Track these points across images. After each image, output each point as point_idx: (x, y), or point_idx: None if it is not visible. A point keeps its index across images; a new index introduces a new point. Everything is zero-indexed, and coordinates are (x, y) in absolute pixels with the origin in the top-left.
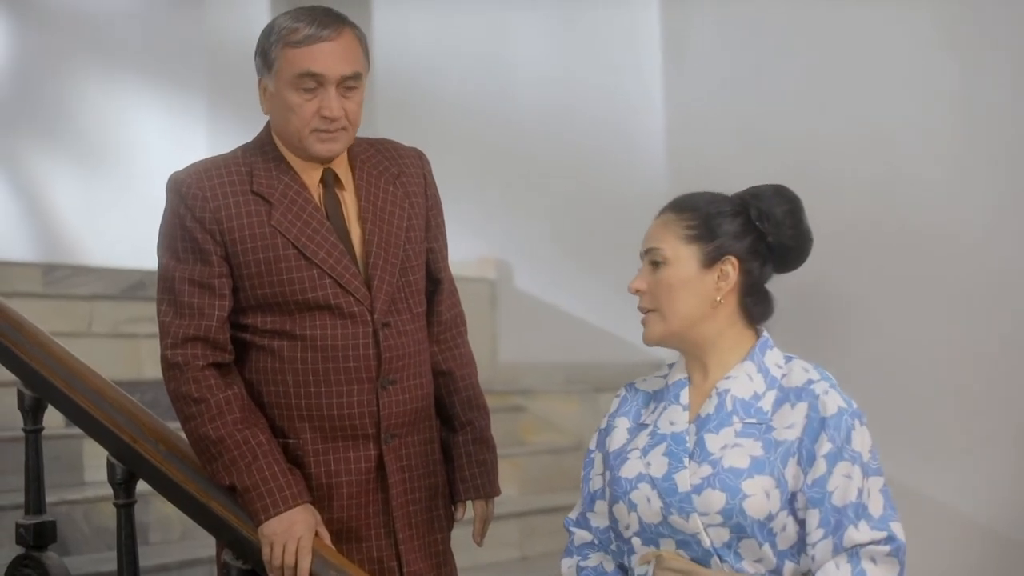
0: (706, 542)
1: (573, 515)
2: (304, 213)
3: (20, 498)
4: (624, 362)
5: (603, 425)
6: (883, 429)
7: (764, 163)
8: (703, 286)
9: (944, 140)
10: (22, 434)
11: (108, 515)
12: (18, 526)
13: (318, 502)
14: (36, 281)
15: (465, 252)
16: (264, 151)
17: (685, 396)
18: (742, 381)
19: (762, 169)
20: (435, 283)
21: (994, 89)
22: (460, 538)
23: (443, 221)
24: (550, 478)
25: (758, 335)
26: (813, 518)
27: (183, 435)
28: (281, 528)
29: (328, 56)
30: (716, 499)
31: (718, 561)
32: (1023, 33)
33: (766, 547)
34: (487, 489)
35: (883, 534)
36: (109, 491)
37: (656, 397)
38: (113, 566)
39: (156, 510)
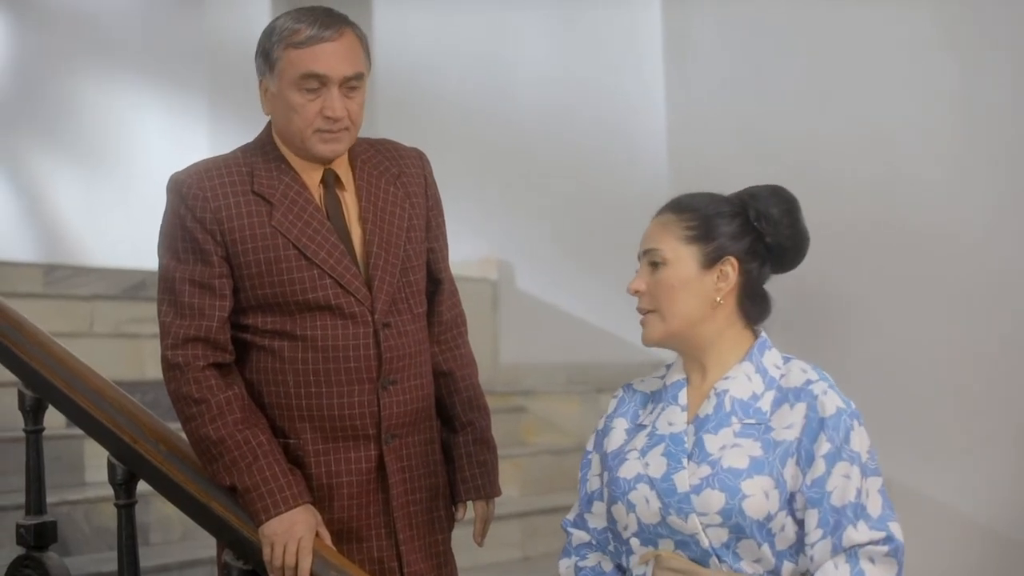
0: (705, 542)
1: (571, 516)
2: (305, 213)
3: (21, 498)
4: (625, 362)
5: (600, 426)
6: (883, 429)
7: (765, 163)
8: (703, 287)
9: (944, 140)
10: (23, 434)
11: (109, 515)
12: (19, 526)
13: (319, 502)
14: (37, 281)
15: (467, 252)
16: (265, 151)
17: (683, 397)
18: (740, 381)
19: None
20: (436, 283)
21: (994, 89)
22: (461, 538)
23: (443, 221)
24: (551, 478)
25: (756, 336)
26: (812, 518)
27: (184, 435)
28: (282, 528)
29: (330, 56)
30: (715, 499)
31: (716, 561)
32: (1023, 33)
33: (765, 547)
34: (488, 490)
35: (882, 534)
36: (110, 491)
37: (654, 398)
38: (114, 566)
39: (157, 510)
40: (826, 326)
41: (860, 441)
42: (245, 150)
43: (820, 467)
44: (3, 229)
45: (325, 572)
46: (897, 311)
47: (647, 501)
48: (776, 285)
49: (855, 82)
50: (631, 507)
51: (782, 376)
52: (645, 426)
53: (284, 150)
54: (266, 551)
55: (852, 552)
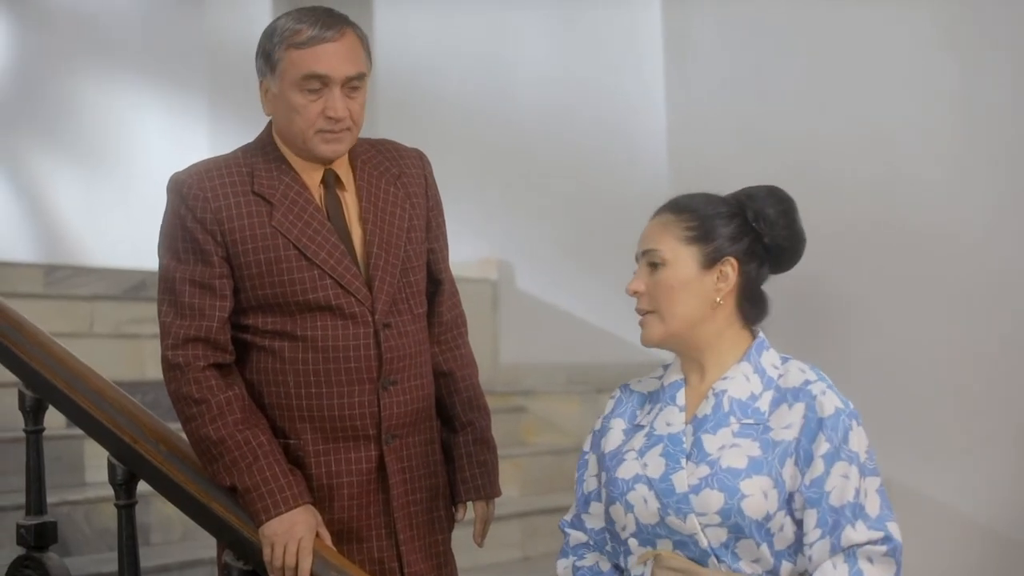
0: (703, 542)
1: (568, 517)
2: (305, 214)
3: (21, 499)
4: (626, 363)
5: (597, 427)
6: (883, 429)
7: (765, 163)
8: (703, 287)
9: (944, 140)
10: (23, 435)
11: (109, 516)
12: (19, 527)
13: (319, 503)
14: (37, 281)
15: (467, 253)
16: (265, 152)
17: (681, 397)
18: (739, 382)
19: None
20: (436, 284)
21: (994, 89)
22: (461, 539)
23: (444, 222)
24: (551, 479)
25: (754, 336)
26: (811, 518)
27: (184, 436)
28: (282, 529)
29: (332, 57)
30: (714, 499)
31: (715, 561)
32: (1023, 33)
33: (764, 547)
34: (488, 490)
35: (880, 534)
36: (110, 492)
37: (651, 398)
38: (114, 567)
39: (157, 511)
40: (826, 326)
41: (858, 441)
42: (245, 150)
43: (819, 467)
44: (3, 229)
45: (325, 572)
46: (897, 311)
47: (645, 501)
48: (776, 285)
49: (855, 82)
50: (629, 507)
51: (780, 376)
52: (643, 426)
53: (284, 150)
54: (266, 551)
55: (850, 552)
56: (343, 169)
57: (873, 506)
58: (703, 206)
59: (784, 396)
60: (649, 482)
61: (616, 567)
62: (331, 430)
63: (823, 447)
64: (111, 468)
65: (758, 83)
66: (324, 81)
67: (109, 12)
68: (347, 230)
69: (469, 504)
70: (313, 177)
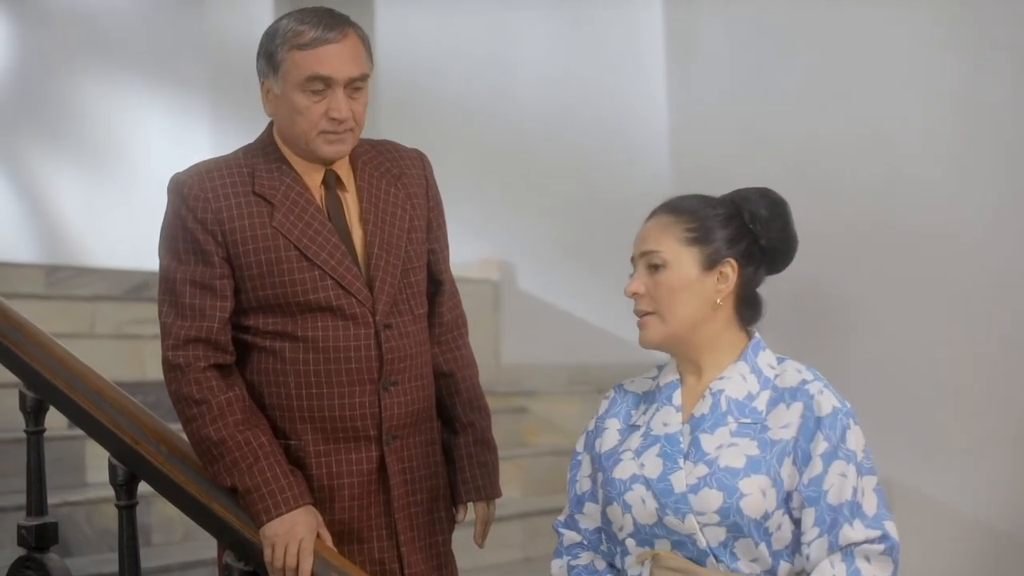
0: (702, 542)
1: (561, 517)
2: (306, 214)
3: (22, 499)
4: (627, 363)
5: (591, 427)
6: (883, 429)
7: (766, 163)
8: (703, 289)
9: (944, 140)
10: (24, 436)
11: (110, 516)
12: (20, 527)
13: (320, 503)
14: (39, 282)
15: (468, 253)
16: (266, 152)
17: (678, 397)
18: (736, 381)
19: (764, 169)
20: (436, 284)
21: (994, 89)
22: (462, 540)
23: (444, 222)
24: (553, 479)
25: (750, 337)
26: (808, 517)
27: (184, 437)
28: (283, 529)
29: (335, 58)
30: (713, 498)
31: (714, 561)
32: (1023, 33)
33: (762, 547)
34: (488, 491)
35: (877, 532)
36: (111, 493)
37: (646, 398)
38: (115, 568)
39: (158, 511)
40: (826, 326)
41: (856, 440)
42: (246, 151)
43: (817, 466)
44: (5, 230)
45: (326, 573)
46: (897, 311)
47: (643, 502)
48: (777, 286)
49: (856, 82)
50: (627, 508)
51: (777, 376)
52: (639, 427)
53: (285, 151)
54: (267, 552)
55: (848, 551)
56: (344, 170)
57: (870, 505)
58: (701, 208)
59: (782, 396)
60: (647, 482)
61: (611, 566)
62: (332, 431)
63: (821, 446)
64: (112, 469)
65: (759, 83)
66: (327, 82)
67: (110, 12)
68: (348, 231)
69: (470, 505)
70: (314, 178)
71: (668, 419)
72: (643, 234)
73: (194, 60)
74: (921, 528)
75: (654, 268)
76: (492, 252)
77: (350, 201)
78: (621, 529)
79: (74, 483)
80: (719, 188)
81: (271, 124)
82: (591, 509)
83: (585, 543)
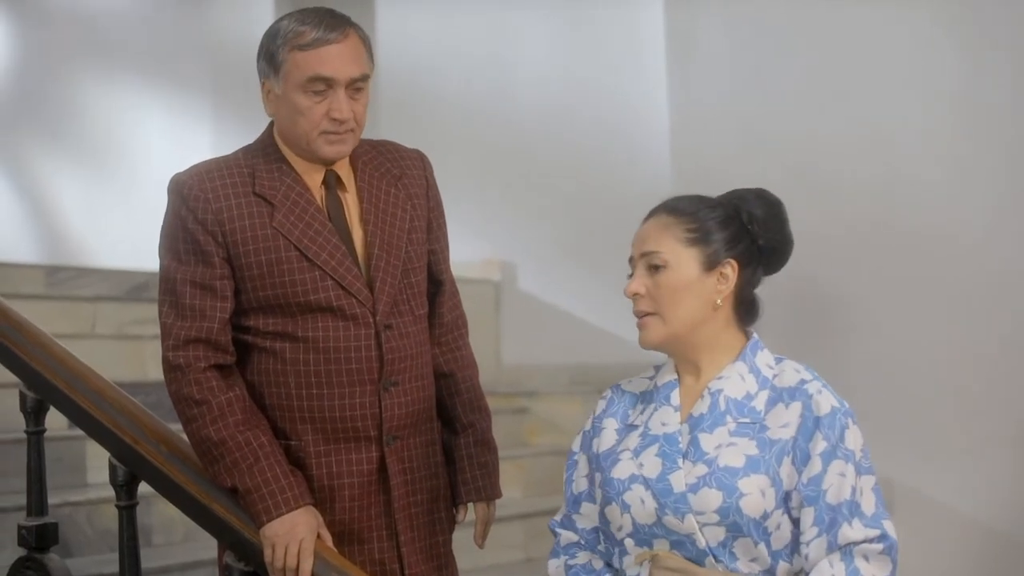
0: (701, 542)
1: (557, 517)
2: (306, 215)
3: (22, 500)
4: (628, 363)
5: (587, 427)
6: (883, 429)
7: (767, 163)
8: (704, 289)
9: (944, 140)
10: (24, 436)
11: (111, 517)
12: (20, 528)
13: (320, 504)
14: (39, 282)
15: (469, 254)
16: (266, 152)
17: (676, 397)
18: (734, 381)
19: (765, 169)
20: (437, 285)
21: (994, 89)
22: (462, 540)
23: (444, 223)
24: (554, 480)
25: (748, 337)
26: (807, 516)
27: (185, 437)
28: (283, 530)
29: (336, 59)
30: (713, 498)
31: (713, 561)
32: (1023, 33)
33: (761, 546)
34: (488, 491)
35: (876, 532)
36: (111, 493)
37: (644, 398)
38: (115, 568)
39: (159, 512)
40: (826, 326)
41: (854, 439)
42: (246, 151)
43: (816, 465)
44: (5, 230)
45: (326, 573)
46: (897, 311)
47: (642, 502)
48: (777, 286)
49: (856, 82)
50: (626, 508)
51: (775, 376)
52: (637, 426)
53: (286, 151)
54: (267, 552)
55: (847, 550)
56: (344, 170)
57: (869, 504)
58: (700, 208)
59: (780, 395)
60: (646, 482)
61: (609, 566)
62: (332, 431)
63: (820, 445)
64: (112, 469)
65: (760, 83)
66: (328, 83)
67: (110, 12)
68: (348, 231)
69: (470, 505)
70: (314, 178)
71: (666, 419)
72: (642, 235)
73: (195, 60)
74: (921, 528)
75: (654, 269)
76: (493, 252)
77: (350, 201)
78: (620, 529)
79: (74, 483)
80: (720, 188)
81: (271, 124)
82: (588, 509)
83: (582, 543)
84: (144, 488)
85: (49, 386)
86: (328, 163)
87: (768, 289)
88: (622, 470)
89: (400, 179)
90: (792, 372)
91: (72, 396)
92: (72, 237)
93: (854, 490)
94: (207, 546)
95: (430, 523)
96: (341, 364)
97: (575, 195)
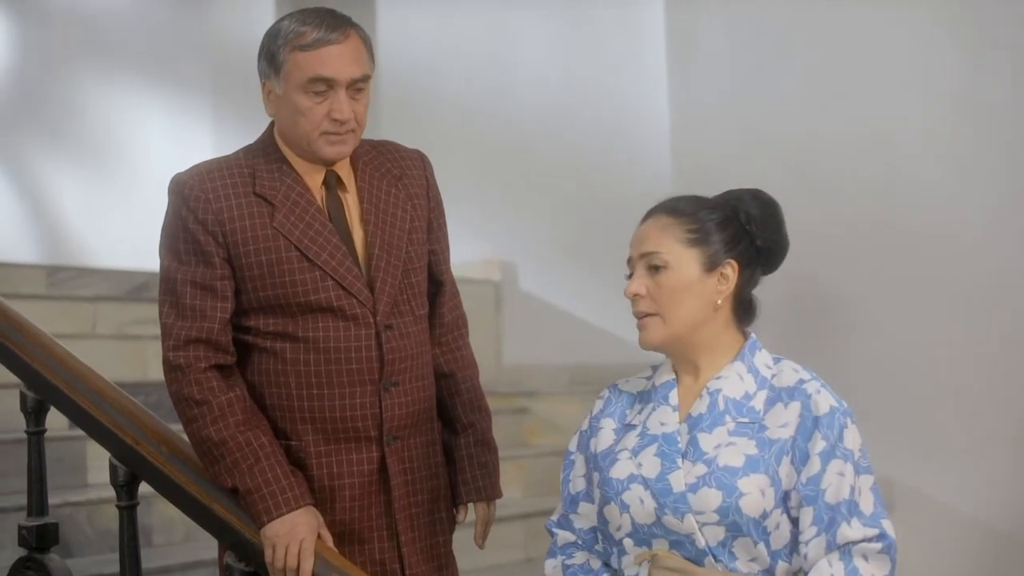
0: (701, 542)
1: (554, 517)
2: (307, 215)
3: (23, 500)
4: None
5: (584, 427)
6: (883, 429)
7: (767, 163)
8: (705, 290)
9: (944, 140)
10: (25, 436)
11: (111, 517)
12: (21, 528)
13: (320, 504)
14: (40, 283)
15: (470, 254)
16: (267, 153)
17: (674, 397)
18: (733, 381)
19: (765, 169)
20: (437, 285)
21: (995, 89)
22: (463, 540)
23: (445, 223)
24: (554, 480)
25: (746, 337)
26: (807, 516)
27: (185, 437)
28: (283, 530)
29: (337, 59)
30: (712, 497)
31: (712, 560)
32: (1023, 33)
33: (760, 546)
34: (489, 491)
35: (875, 531)
36: (112, 493)
37: (641, 398)
38: (116, 568)
39: (159, 512)
40: (826, 326)
41: (853, 439)
42: (247, 151)
43: (815, 465)
44: (6, 230)
45: (327, 574)
46: (897, 311)
47: (641, 501)
48: (777, 286)
49: (856, 82)
50: (625, 507)
51: (774, 376)
52: (634, 426)
53: (286, 151)
54: (268, 553)
55: (846, 550)
56: (344, 170)
57: (867, 504)
58: (698, 209)
59: (779, 395)
60: (645, 482)
61: (607, 566)
62: (332, 431)
63: (819, 445)
64: (113, 469)
65: (760, 83)
66: (329, 83)
67: (110, 12)
68: (348, 231)
69: (470, 505)
70: (315, 178)
71: (665, 419)
72: (641, 235)
73: (195, 60)
74: (921, 528)
75: (654, 269)
76: (493, 252)
77: (351, 202)
78: (619, 529)
79: (75, 484)
80: (720, 188)
81: (272, 124)
82: (586, 509)
83: (579, 543)
84: (144, 488)
85: (50, 386)
86: (329, 163)
87: (768, 289)
88: (621, 470)
89: (400, 179)
90: (790, 372)
91: (73, 396)
92: (72, 237)
93: (853, 489)
94: (207, 546)
95: (430, 523)
96: (342, 364)
97: (576, 195)
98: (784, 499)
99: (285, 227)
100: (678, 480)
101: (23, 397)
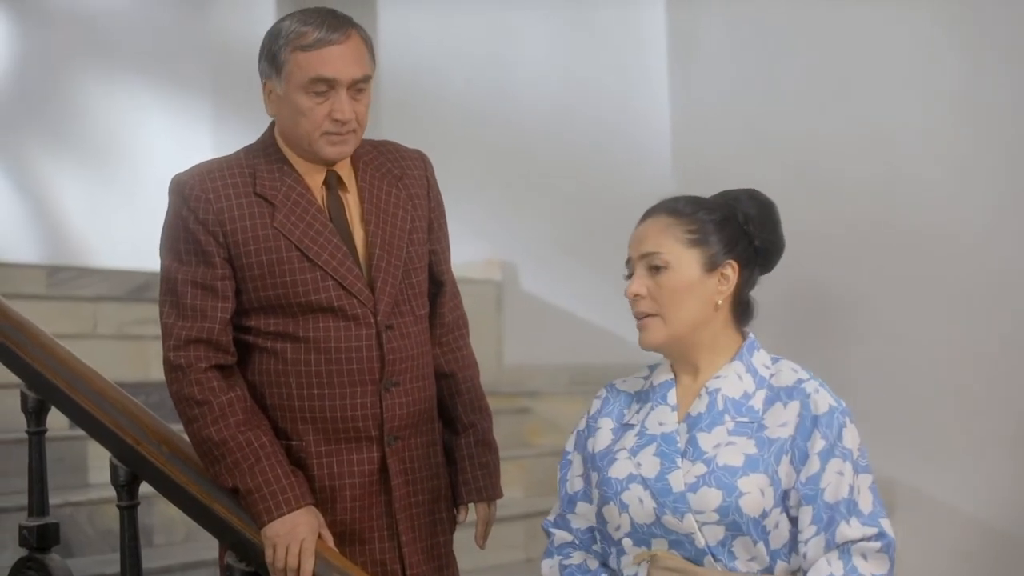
0: (700, 541)
1: (551, 517)
2: (307, 215)
3: (24, 500)
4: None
5: (581, 426)
6: (883, 429)
7: (769, 163)
8: (705, 290)
9: (944, 140)
10: (25, 436)
11: (112, 517)
12: (21, 528)
13: (321, 504)
14: (41, 283)
15: (471, 254)
16: (267, 153)
17: (673, 396)
18: (732, 380)
19: (767, 169)
20: (438, 285)
21: (994, 89)
22: (463, 541)
23: (445, 223)
24: (555, 480)
25: (744, 337)
26: (806, 515)
27: (186, 437)
28: (284, 530)
29: (339, 60)
30: (712, 497)
31: (712, 560)
32: (1023, 33)
33: (760, 545)
34: (489, 492)
35: (874, 530)
36: (113, 493)
37: (639, 398)
38: (117, 568)
39: (160, 512)
40: (826, 326)
41: (852, 438)
42: (248, 151)
43: (814, 464)
44: (7, 230)
45: (327, 574)
46: (897, 311)
47: (641, 501)
48: (777, 286)
49: (856, 82)
50: (624, 507)
51: (772, 376)
52: (633, 425)
53: (287, 151)
54: (268, 553)
55: (845, 548)
56: (345, 170)
57: (866, 503)
58: (697, 209)
59: (778, 395)
60: (644, 482)
61: (604, 566)
62: (333, 431)
63: (818, 444)
64: (113, 469)
65: (761, 83)
66: (330, 84)
67: (112, 12)
68: (349, 231)
69: (471, 506)
70: (315, 178)
71: (664, 418)
72: (641, 235)
73: (196, 60)
74: (921, 528)
75: (655, 270)
76: (494, 252)
77: (351, 202)
78: (618, 529)
79: (76, 484)
80: (721, 188)
81: (272, 124)
82: (583, 509)
83: (576, 543)
84: (145, 488)
85: (50, 386)
86: (329, 163)
87: (768, 289)
88: (620, 470)
89: (401, 179)
90: (789, 372)
91: (73, 396)
92: (73, 237)
93: (852, 488)
94: (208, 546)
95: (431, 523)
96: (342, 364)
97: (576, 195)
98: (783, 498)
99: (286, 227)
100: (677, 480)
101: (24, 397)
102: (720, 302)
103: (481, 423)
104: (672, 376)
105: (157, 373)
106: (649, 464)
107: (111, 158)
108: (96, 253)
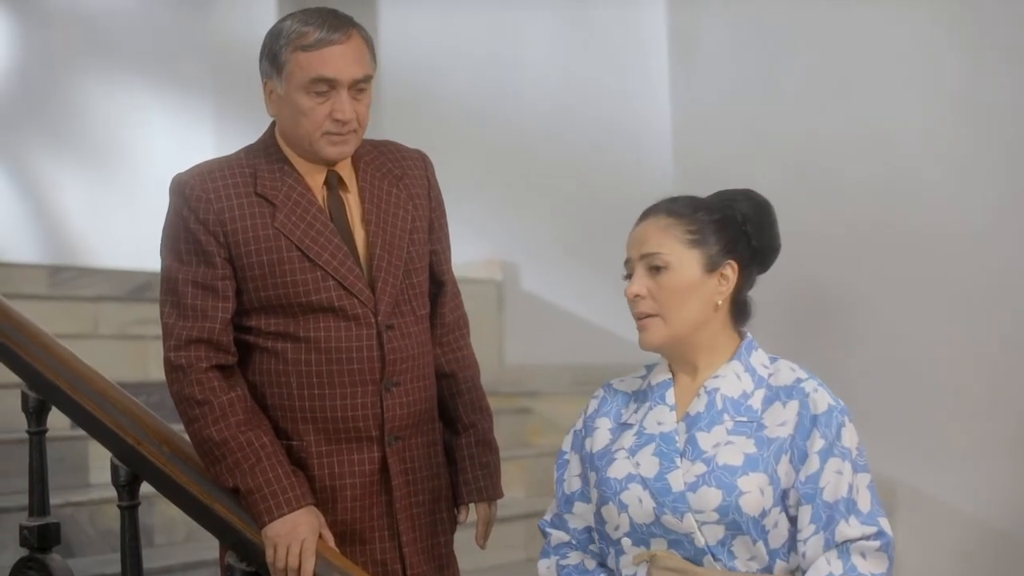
0: (700, 541)
1: (548, 516)
2: (308, 215)
3: (24, 500)
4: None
5: (579, 426)
6: (883, 429)
7: (770, 163)
8: (706, 290)
9: (944, 140)
10: (26, 436)
11: (113, 517)
12: (22, 528)
13: (322, 504)
14: (42, 283)
15: (472, 254)
16: (268, 153)
17: (671, 396)
18: (730, 380)
19: (768, 169)
20: (438, 285)
21: (995, 89)
22: (464, 541)
23: (446, 223)
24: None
25: (742, 337)
26: (805, 514)
27: (187, 437)
28: (285, 530)
29: (339, 60)
30: (712, 496)
31: (711, 559)
32: (1023, 33)
33: (759, 545)
34: (490, 492)
35: (873, 529)
36: (113, 493)
37: (637, 397)
38: (117, 568)
39: (161, 512)
40: (826, 326)
41: (850, 437)
42: (248, 151)
43: (814, 463)
44: (8, 230)
45: (328, 574)
46: (897, 311)
47: (640, 501)
48: (777, 286)
49: (856, 82)
50: (623, 507)
51: (771, 375)
52: (631, 425)
53: (287, 151)
54: (269, 553)
55: (844, 547)
56: (346, 170)
57: (865, 502)
58: (697, 210)
59: (777, 394)
60: (643, 481)
61: (602, 566)
62: (334, 431)
63: (817, 443)
64: (114, 470)
65: (761, 83)
66: (331, 84)
67: (113, 12)
68: (350, 231)
69: (472, 506)
70: (316, 178)
71: (662, 418)
72: (641, 236)
73: (197, 60)
74: (921, 528)
75: (655, 270)
76: (495, 252)
77: (352, 202)
78: (617, 528)
79: (76, 484)
80: (722, 187)
81: (273, 124)
82: (581, 509)
83: (573, 543)
84: (146, 488)
85: (51, 386)
86: (330, 163)
87: (767, 289)
88: (618, 469)
89: (402, 179)
90: (787, 371)
91: (74, 396)
92: (74, 237)
93: (851, 488)
94: (209, 546)
95: (432, 523)
96: (343, 364)
97: (577, 195)
98: (783, 497)
99: (286, 227)
100: (677, 479)
101: (24, 397)
102: (720, 302)
103: (482, 423)
104: (670, 376)
105: (158, 373)
106: (648, 464)
107: (112, 158)
108: (97, 253)
